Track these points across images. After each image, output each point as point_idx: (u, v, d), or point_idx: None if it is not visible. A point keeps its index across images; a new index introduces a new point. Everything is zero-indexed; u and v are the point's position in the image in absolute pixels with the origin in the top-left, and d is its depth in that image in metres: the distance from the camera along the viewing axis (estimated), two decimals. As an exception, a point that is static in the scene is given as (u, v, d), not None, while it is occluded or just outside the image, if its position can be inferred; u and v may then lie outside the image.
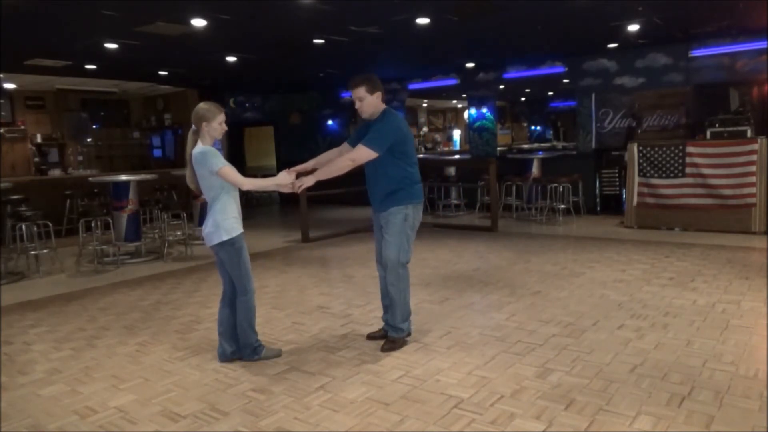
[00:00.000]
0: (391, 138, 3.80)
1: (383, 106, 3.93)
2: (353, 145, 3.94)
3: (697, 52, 9.51)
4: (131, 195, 7.60)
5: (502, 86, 12.76)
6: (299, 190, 3.78)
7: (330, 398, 3.25)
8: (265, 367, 3.74)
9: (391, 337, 4.02)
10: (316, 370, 3.65)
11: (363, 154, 3.79)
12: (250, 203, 14.07)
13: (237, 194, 3.73)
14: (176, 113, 13.47)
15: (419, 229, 4.06)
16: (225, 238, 3.63)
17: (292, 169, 3.84)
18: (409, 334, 4.10)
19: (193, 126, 3.66)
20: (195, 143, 3.67)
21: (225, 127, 3.71)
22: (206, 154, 3.58)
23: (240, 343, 3.83)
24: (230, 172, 3.60)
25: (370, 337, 4.20)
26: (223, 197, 3.64)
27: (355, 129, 4.18)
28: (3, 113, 11.63)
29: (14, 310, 5.44)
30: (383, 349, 3.93)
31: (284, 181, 3.74)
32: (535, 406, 3.04)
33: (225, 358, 3.83)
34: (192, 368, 3.79)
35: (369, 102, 3.85)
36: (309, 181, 3.79)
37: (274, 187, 3.89)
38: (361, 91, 3.82)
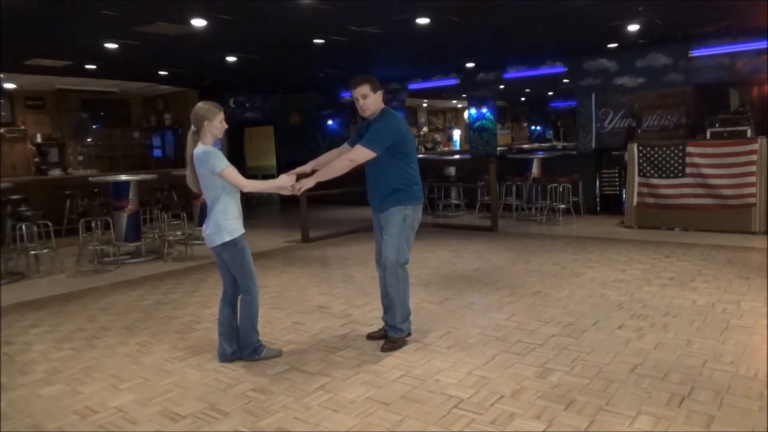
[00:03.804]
0: (390, 138, 3.81)
1: (383, 106, 3.94)
2: (354, 145, 3.95)
3: (697, 52, 9.52)
4: (131, 195, 7.60)
5: (502, 86, 12.75)
6: (299, 192, 3.81)
7: (330, 398, 3.25)
8: (265, 367, 3.74)
9: (391, 337, 4.02)
10: (316, 370, 3.65)
11: (361, 154, 3.80)
12: (250, 203, 14.08)
13: (238, 195, 3.73)
14: (176, 113, 13.46)
15: (419, 229, 4.06)
16: (227, 239, 3.64)
17: (292, 171, 3.87)
18: (408, 334, 4.11)
19: (193, 127, 3.66)
20: (195, 144, 3.66)
21: (225, 125, 3.72)
22: (208, 154, 3.57)
23: (241, 343, 3.83)
24: (232, 173, 3.60)
25: (370, 337, 4.21)
26: (223, 198, 3.64)
27: (356, 129, 4.19)
28: (3, 113, 11.62)
29: (14, 310, 5.45)
30: (383, 349, 3.94)
31: (284, 183, 3.76)
32: (535, 406, 3.04)
33: (225, 358, 3.84)
34: (192, 368, 3.79)
35: (372, 99, 3.86)
36: (309, 182, 3.83)
37: (274, 189, 3.89)
38: (365, 89, 3.84)
